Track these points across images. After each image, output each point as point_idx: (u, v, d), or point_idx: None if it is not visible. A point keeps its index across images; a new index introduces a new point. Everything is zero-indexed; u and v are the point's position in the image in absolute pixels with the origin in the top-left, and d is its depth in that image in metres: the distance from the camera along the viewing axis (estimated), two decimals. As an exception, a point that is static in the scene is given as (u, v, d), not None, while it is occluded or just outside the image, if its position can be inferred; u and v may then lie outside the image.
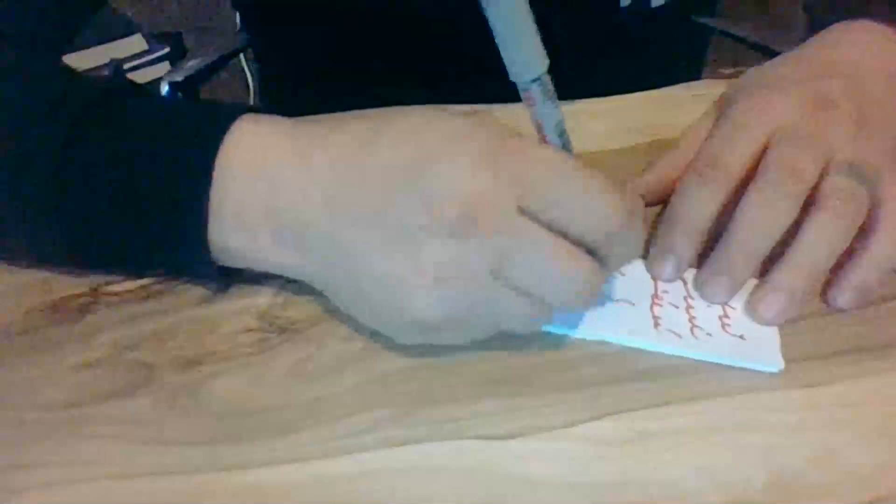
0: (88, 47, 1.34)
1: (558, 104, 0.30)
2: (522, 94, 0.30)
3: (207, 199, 0.31)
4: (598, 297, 0.33)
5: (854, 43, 0.42)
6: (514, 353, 0.33)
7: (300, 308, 0.35)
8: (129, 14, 1.47)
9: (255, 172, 0.31)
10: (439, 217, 0.28)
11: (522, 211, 0.28)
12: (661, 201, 0.39)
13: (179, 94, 0.71)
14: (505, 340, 0.33)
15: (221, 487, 0.28)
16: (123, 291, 0.36)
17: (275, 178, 0.31)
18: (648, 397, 0.31)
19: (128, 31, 1.41)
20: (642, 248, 0.30)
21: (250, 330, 0.34)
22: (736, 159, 0.36)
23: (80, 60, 1.32)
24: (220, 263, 0.33)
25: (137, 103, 0.34)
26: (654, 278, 0.36)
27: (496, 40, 0.28)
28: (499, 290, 0.29)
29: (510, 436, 0.30)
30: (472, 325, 0.31)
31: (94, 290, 0.36)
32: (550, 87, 0.30)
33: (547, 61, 0.29)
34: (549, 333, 0.34)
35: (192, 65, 0.73)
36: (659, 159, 0.41)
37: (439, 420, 0.30)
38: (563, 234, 0.29)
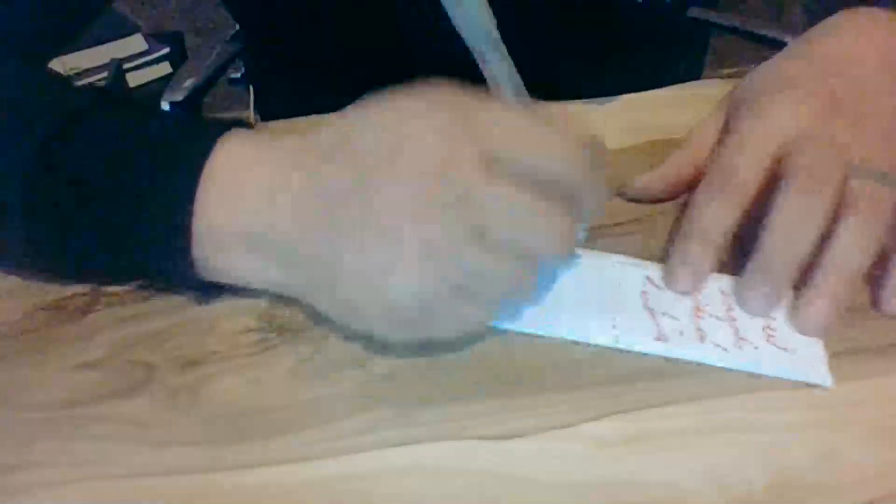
0: (88, 47, 1.34)
1: (511, 62, 0.31)
2: (476, 56, 0.31)
3: (190, 226, 0.31)
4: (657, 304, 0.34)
5: (858, 33, 0.41)
6: (514, 354, 0.33)
7: (300, 308, 0.35)
8: (129, 14, 1.46)
9: (229, 192, 0.31)
10: (415, 192, 0.28)
11: (492, 168, 0.29)
12: (662, 199, 0.40)
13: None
14: (505, 341, 0.33)
15: (221, 487, 0.28)
16: (123, 291, 0.35)
17: (246, 194, 0.31)
18: (648, 397, 0.31)
19: (128, 31, 1.41)
20: (605, 192, 0.31)
21: (250, 330, 0.34)
22: (750, 172, 0.36)
23: (80, 60, 1.31)
24: (206, 280, 0.33)
25: (121, 116, 0.33)
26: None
27: (446, 8, 0.29)
28: (483, 254, 0.29)
29: (510, 436, 0.30)
30: (458, 309, 0.30)
31: (94, 290, 0.35)
32: (501, 45, 0.31)
33: (494, 20, 0.30)
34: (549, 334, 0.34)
35: (189, 83, 0.71)
36: (667, 158, 0.41)
37: (439, 420, 0.30)
38: (534, 185, 0.29)
